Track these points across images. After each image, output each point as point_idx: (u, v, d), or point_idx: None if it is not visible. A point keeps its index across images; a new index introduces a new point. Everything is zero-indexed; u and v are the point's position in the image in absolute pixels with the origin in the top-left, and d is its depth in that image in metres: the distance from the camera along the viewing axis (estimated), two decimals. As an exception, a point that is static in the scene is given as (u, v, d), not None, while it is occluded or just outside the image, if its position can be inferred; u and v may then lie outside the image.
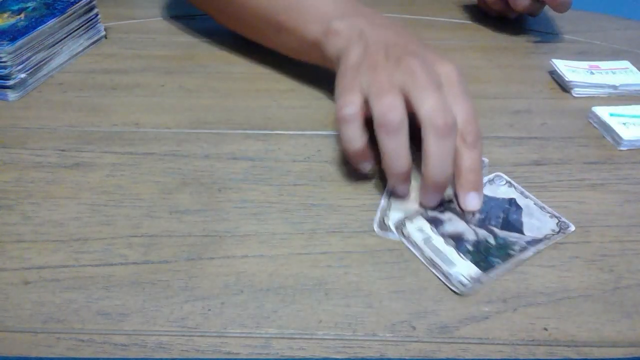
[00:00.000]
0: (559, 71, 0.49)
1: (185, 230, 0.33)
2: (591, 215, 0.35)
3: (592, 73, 0.48)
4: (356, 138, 0.34)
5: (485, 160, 0.38)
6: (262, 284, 0.30)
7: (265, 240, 0.33)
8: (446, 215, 0.34)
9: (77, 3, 0.51)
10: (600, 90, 0.47)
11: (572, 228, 0.34)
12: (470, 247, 0.32)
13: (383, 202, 0.35)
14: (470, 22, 0.61)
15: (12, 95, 0.46)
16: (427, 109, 0.32)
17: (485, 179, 0.37)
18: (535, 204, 0.35)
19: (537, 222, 0.34)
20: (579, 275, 0.31)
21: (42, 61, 0.49)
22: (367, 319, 0.28)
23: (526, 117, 0.44)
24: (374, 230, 0.33)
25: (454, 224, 0.33)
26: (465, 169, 0.34)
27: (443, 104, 0.33)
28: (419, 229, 0.33)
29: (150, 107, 0.45)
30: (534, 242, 0.32)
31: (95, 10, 0.54)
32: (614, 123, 0.42)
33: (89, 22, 0.54)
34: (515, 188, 0.36)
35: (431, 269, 0.31)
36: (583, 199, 0.36)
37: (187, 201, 0.36)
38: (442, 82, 0.34)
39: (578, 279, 0.30)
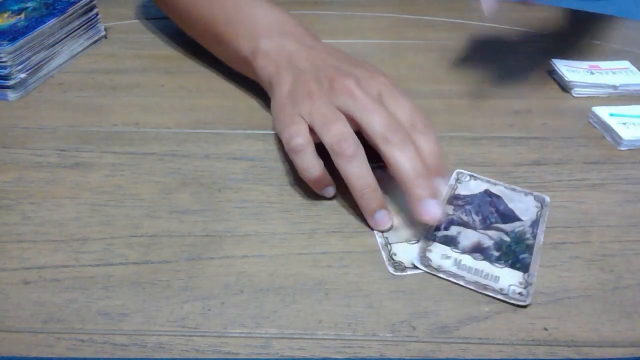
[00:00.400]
0: (559, 71, 0.49)
1: (185, 230, 0.33)
2: (591, 215, 0.35)
3: (592, 73, 0.48)
4: (313, 165, 0.34)
5: None
6: (262, 284, 0.30)
7: (265, 240, 0.33)
8: (452, 230, 0.33)
9: (77, 3, 0.51)
10: (600, 90, 0.47)
11: (547, 199, 0.35)
12: (496, 253, 0.31)
13: (379, 239, 0.33)
14: (470, 22, 0.61)
15: (12, 95, 0.46)
16: (378, 128, 0.33)
17: (452, 180, 0.37)
18: (505, 188, 0.36)
19: (520, 204, 0.35)
20: (579, 275, 0.31)
21: (42, 61, 0.49)
22: (367, 319, 0.28)
23: (526, 117, 0.44)
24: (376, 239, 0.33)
25: (466, 236, 0.33)
26: (425, 154, 0.33)
27: (389, 116, 0.34)
28: (444, 255, 0.31)
29: (150, 107, 0.45)
30: (534, 224, 0.33)
31: (95, 10, 0.54)
32: (614, 123, 0.42)
33: (89, 22, 0.54)
34: (480, 179, 0.37)
35: (482, 291, 0.29)
36: (583, 199, 0.36)
37: (187, 201, 0.36)
38: (379, 92, 0.36)
39: (578, 279, 0.30)
